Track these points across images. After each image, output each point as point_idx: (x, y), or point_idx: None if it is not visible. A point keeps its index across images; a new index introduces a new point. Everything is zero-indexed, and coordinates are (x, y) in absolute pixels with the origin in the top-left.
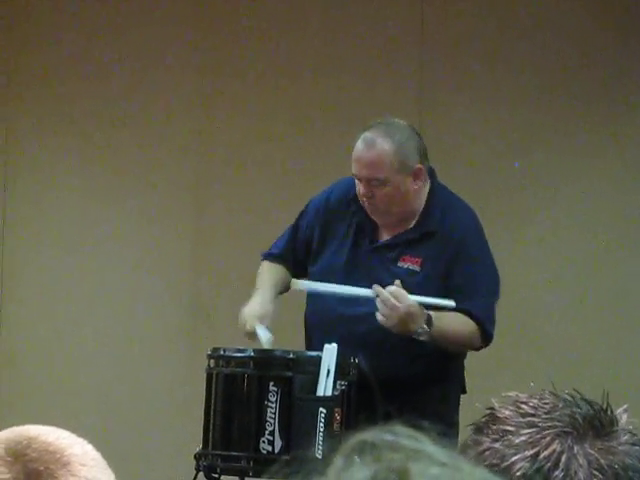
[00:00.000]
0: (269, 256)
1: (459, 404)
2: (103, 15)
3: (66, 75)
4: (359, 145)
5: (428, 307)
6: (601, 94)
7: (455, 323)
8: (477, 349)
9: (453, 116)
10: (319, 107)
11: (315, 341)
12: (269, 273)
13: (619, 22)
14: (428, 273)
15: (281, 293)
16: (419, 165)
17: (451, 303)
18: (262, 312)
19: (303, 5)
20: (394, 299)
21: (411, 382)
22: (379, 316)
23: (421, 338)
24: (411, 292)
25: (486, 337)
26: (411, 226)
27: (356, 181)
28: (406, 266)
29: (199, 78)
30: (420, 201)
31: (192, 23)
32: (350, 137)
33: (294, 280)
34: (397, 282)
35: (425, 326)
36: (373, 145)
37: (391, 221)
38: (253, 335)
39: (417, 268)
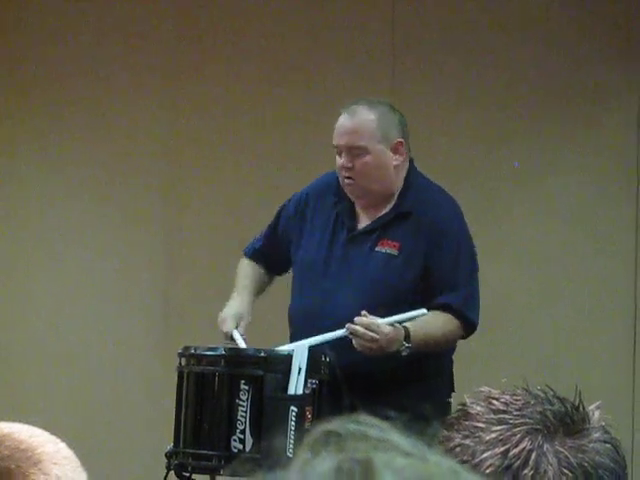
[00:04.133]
0: (249, 252)
1: (448, 403)
2: (78, 18)
3: (39, 78)
4: (341, 116)
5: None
6: (577, 87)
7: (434, 327)
8: (463, 338)
9: (425, 110)
10: (291, 106)
11: (296, 337)
12: (247, 275)
13: (595, 15)
14: (407, 256)
15: (258, 294)
16: (399, 139)
17: (423, 311)
18: (239, 313)
19: (273, 5)
20: (370, 332)
21: (391, 379)
22: (359, 347)
23: (403, 354)
24: (391, 277)
25: (469, 326)
26: (388, 209)
27: (337, 157)
28: (384, 250)
29: (169, 81)
30: (399, 183)
31: (166, 24)
32: (322, 136)
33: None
34: (364, 313)
35: (405, 343)
36: (355, 114)
37: (370, 201)
38: (229, 336)
39: (395, 252)
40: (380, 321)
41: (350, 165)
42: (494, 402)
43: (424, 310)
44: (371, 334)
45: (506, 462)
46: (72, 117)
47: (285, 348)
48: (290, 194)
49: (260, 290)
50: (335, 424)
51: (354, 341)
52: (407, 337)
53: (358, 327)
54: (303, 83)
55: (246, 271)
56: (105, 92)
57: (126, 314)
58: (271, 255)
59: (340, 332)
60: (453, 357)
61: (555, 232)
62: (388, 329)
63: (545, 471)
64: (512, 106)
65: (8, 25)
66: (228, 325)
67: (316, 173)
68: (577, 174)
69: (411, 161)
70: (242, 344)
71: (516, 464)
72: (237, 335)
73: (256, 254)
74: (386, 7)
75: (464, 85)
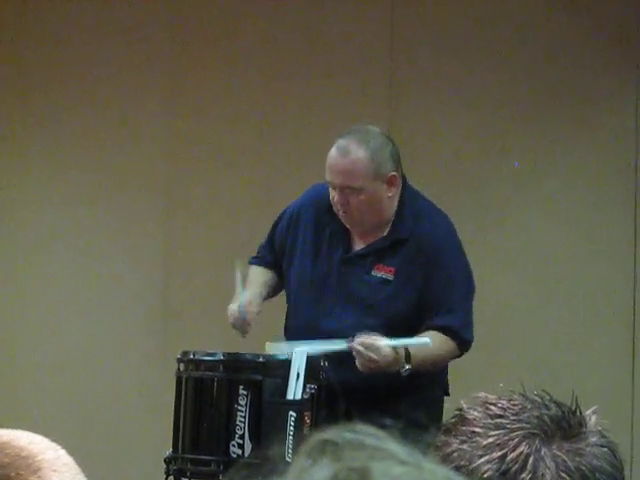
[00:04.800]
0: (255, 260)
1: (442, 407)
2: (78, 20)
3: (37, 80)
4: (333, 152)
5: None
6: (575, 91)
7: (433, 348)
8: (458, 357)
9: (423, 113)
10: (290, 110)
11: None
12: (257, 274)
13: (593, 18)
14: (402, 281)
15: (270, 295)
16: (393, 172)
17: (426, 341)
18: (249, 299)
19: (272, 9)
20: (370, 352)
21: (387, 389)
22: (359, 366)
23: (404, 375)
24: (386, 301)
25: (465, 345)
26: (384, 234)
27: (330, 189)
28: (380, 275)
29: (169, 84)
30: (393, 209)
31: (165, 24)
32: (321, 139)
33: (268, 344)
34: (364, 335)
35: (405, 365)
36: (347, 153)
37: (365, 229)
38: (239, 325)
39: (391, 277)
40: (382, 343)
41: (345, 202)
42: (491, 407)
43: (428, 340)
44: (370, 354)
45: (504, 466)
46: (71, 119)
47: (282, 348)
48: (289, 198)
49: (271, 285)
50: (332, 433)
51: (357, 361)
52: (407, 357)
53: (359, 347)
54: (302, 86)
55: (252, 272)
56: (104, 95)
57: (124, 318)
58: (277, 263)
59: (341, 345)
60: (447, 364)
61: (553, 235)
62: (388, 351)
63: (543, 475)
64: (510, 109)
65: (8, 26)
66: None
67: (315, 177)
68: (575, 177)
69: (404, 180)
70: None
71: (514, 468)
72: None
73: (261, 262)
74: (385, 10)
75: (462, 88)
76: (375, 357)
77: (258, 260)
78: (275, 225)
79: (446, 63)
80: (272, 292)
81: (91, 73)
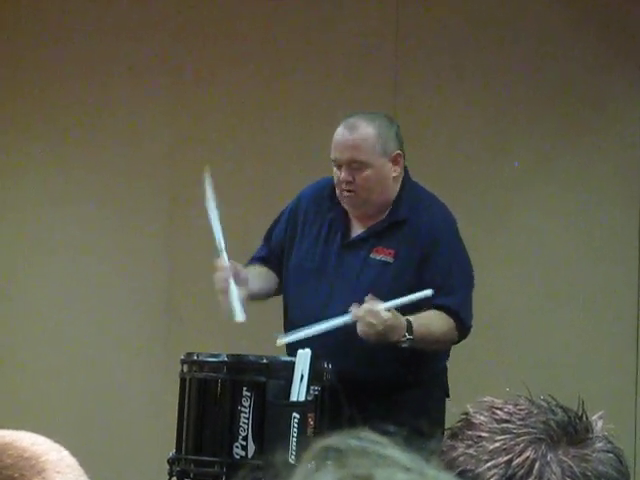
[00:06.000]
0: (253, 260)
1: (443, 408)
2: (80, 20)
3: (38, 79)
4: (340, 129)
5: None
6: (580, 92)
7: (434, 324)
8: (456, 342)
9: (427, 114)
10: (292, 109)
11: (294, 345)
12: (253, 267)
13: (597, 20)
14: (402, 263)
15: (268, 295)
16: (398, 151)
17: (427, 292)
18: (236, 269)
19: (272, 8)
20: (371, 316)
21: (387, 385)
22: (360, 332)
23: (404, 346)
24: (386, 284)
25: (464, 329)
26: (383, 218)
27: (334, 170)
28: (379, 257)
29: (172, 84)
30: (395, 191)
31: (166, 29)
32: (324, 139)
33: (278, 338)
34: (368, 297)
35: (407, 334)
36: (355, 128)
37: (367, 212)
38: (223, 293)
39: (390, 259)
40: (380, 307)
41: (351, 179)
42: (497, 412)
43: (428, 291)
44: (369, 319)
45: (510, 471)
46: (73, 120)
47: (293, 337)
48: (288, 194)
49: (267, 280)
50: (335, 439)
51: (357, 326)
52: (409, 329)
53: (360, 312)
54: (304, 85)
55: (249, 268)
56: (106, 95)
57: (128, 320)
58: (275, 262)
59: (346, 318)
60: (447, 364)
61: (555, 236)
62: (387, 315)
63: None
64: (515, 111)
65: (8, 26)
66: (220, 268)
67: (319, 176)
68: (578, 178)
69: (406, 170)
70: (241, 313)
71: (520, 473)
72: (237, 305)
73: (260, 261)
74: (390, 11)
75: (467, 89)
76: (374, 321)
77: (253, 260)
78: (275, 222)
79: (451, 64)
80: (266, 286)
81: (93, 73)
